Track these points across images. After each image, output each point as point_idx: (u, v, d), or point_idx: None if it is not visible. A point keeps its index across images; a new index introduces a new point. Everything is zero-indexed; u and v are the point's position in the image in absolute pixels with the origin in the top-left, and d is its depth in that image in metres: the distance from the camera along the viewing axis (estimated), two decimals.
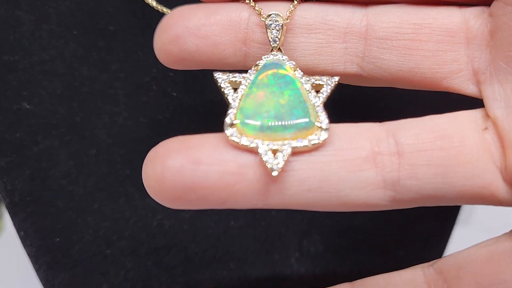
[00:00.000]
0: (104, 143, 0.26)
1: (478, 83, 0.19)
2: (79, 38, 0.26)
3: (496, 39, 0.19)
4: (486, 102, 0.19)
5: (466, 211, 0.50)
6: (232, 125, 0.18)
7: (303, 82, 0.19)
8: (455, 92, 0.20)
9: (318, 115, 0.18)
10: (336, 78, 0.19)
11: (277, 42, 0.20)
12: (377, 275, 0.20)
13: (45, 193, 0.26)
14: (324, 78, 0.19)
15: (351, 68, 0.20)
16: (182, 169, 0.17)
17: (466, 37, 0.19)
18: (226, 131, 0.18)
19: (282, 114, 0.18)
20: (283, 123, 0.18)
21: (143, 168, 0.18)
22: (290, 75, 0.19)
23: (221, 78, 0.20)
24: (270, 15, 0.20)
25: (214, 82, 0.20)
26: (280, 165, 0.17)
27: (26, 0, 0.26)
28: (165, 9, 0.24)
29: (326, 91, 0.19)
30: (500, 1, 0.19)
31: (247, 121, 0.18)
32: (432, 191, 0.18)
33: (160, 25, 0.20)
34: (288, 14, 0.20)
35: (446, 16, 0.20)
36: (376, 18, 0.20)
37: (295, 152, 0.18)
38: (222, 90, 0.19)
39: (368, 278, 0.20)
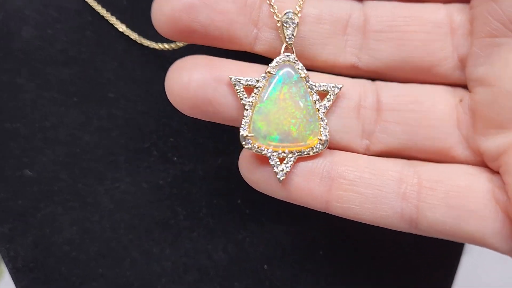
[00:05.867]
0: (106, 209, 0.26)
1: (463, 68, 0.21)
2: (79, 105, 0.26)
3: (473, 27, 0.21)
4: (467, 82, 0.21)
5: None
6: (246, 137, 0.21)
7: (313, 92, 0.21)
8: (443, 81, 0.22)
9: (321, 130, 0.21)
10: (340, 86, 0.21)
11: (292, 40, 0.21)
12: None
13: (48, 260, 0.26)
14: (330, 85, 0.21)
15: (350, 58, 0.22)
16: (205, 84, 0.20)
17: (451, 27, 0.21)
18: (242, 142, 0.21)
19: (290, 139, 0.21)
20: (291, 145, 0.21)
21: (167, 77, 0.20)
22: (303, 88, 0.21)
23: (237, 82, 0.20)
24: (286, 13, 0.21)
25: (231, 84, 0.21)
26: (285, 172, 0.21)
27: (26, 67, 0.26)
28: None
29: (331, 99, 0.21)
30: None
31: (258, 142, 0.21)
32: (398, 145, 0.21)
33: None
34: (298, 9, 0.21)
35: (433, 10, 0.22)
36: (372, 13, 0.22)
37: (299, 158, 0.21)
38: (238, 94, 0.21)
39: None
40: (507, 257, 0.21)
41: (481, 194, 0.20)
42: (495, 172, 0.21)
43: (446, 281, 0.29)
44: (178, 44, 0.25)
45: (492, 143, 0.20)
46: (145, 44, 0.26)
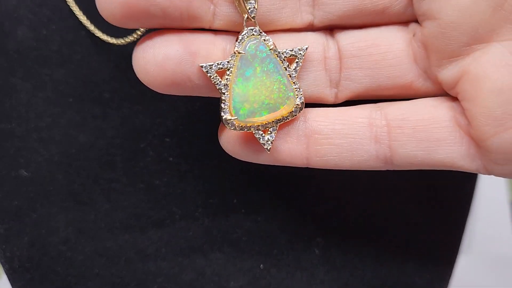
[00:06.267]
0: (102, 209, 0.26)
1: (413, 5, 0.22)
2: (74, 105, 0.26)
3: None
4: (417, 17, 0.22)
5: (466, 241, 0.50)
6: (230, 120, 0.21)
7: (281, 60, 0.21)
8: (398, 20, 0.22)
9: (296, 94, 0.21)
10: (306, 47, 0.21)
11: (255, 12, 0.20)
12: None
13: (44, 259, 0.26)
14: (296, 50, 0.21)
15: (307, 17, 0.22)
16: (182, 59, 0.20)
17: None
18: (226, 125, 0.21)
19: (270, 108, 0.21)
20: (271, 116, 0.21)
21: (136, 56, 0.20)
22: (273, 60, 0.21)
23: (209, 69, 0.20)
24: None
25: (202, 71, 0.20)
26: (271, 141, 0.21)
27: (22, 67, 0.26)
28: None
29: (300, 62, 0.22)
30: None
31: (242, 120, 0.21)
32: (363, 88, 0.22)
33: None
34: None
35: None
36: None
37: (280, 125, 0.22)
38: (211, 79, 0.20)
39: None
40: (503, 257, 0.21)
41: (445, 122, 0.21)
42: (455, 99, 0.22)
43: (443, 280, 0.29)
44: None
45: (447, 72, 0.21)
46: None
